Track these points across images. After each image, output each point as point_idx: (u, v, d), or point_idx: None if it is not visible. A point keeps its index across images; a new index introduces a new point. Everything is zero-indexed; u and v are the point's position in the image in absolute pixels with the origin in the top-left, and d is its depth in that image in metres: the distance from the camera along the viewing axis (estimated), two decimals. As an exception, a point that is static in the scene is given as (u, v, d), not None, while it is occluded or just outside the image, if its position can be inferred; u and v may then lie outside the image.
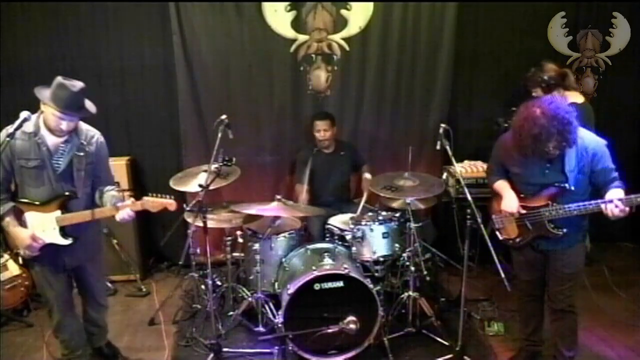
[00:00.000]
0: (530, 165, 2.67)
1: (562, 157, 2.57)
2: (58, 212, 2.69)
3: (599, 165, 2.57)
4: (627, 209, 2.43)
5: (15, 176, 2.71)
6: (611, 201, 2.44)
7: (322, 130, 4.13)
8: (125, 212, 2.69)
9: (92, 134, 2.82)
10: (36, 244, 2.66)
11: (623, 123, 4.90)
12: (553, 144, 2.44)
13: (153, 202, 2.71)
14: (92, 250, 2.93)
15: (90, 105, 2.73)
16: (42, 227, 2.69)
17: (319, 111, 4.34)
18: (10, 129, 2.61)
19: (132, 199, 2.74)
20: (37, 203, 2.69)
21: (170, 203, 2.72)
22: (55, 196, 2.69)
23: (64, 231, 2.71)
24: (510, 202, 2.75)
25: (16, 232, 2.68)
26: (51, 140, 2.67)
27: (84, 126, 2.81)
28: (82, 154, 2.73)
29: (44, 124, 2.66)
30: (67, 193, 2.70)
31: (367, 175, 4.13)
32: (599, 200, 2.50)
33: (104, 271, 3.16)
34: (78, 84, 2.64)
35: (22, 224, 2.70)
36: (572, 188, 2.57)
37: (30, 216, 2.70)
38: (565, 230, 2.64)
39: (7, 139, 2.56)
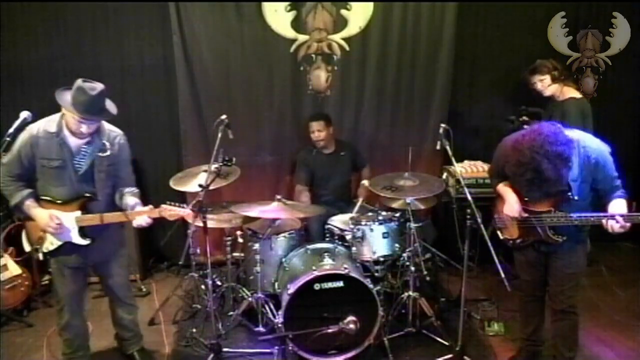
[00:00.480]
0: None
1: None
2: (78, 213, 2.71)
3: (602, 173, 2.53)
4: (628, 225, 2.41)
5: (38, 174, 2.72)
6: (613, 217, 2.42)
7: (317, 131, 4.13)
8: (143, 218, 2.69)
9: (114, 134, 2.81)
10: (52, 222, 2.66)
11: (623, 123, 4.90)
12: (552, 183, 2.37)
13: (171, 211, 2.70)
14: (114, 246, 2.95)
15: (111, 106, 2.71)
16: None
17: (314, 112, 4.35)
18: (34, 128, 2.67)
19: (151, 206, 2.73)
20: (59, 202, 2.71)
21: (187, 214, 2.72)
22: (76, 197, 2.71)
23: (83, 231, 2.73)
24: (512, 206, 2.72)
25: (36, 213, 2.69)
26: (73, 141, 2.68)
27: (106, 126, 2.81)
28: (103, 155, 2.73)
29: (66, 125, 2.66)
30: (87, 194, 2.72)
31: (365, 182, 4.10)
32: (601, 214, 2.48)
33: (128, 270, 3.17)
34: (98, 87, 2.61)
35: None
36: (576, 198, 2.54)
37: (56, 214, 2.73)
38: (564, 238, 2.64)
39: (7, 138, 2.58)
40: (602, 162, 2.53)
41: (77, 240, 2.74)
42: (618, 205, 2.49)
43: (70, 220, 2.71)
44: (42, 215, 2.68)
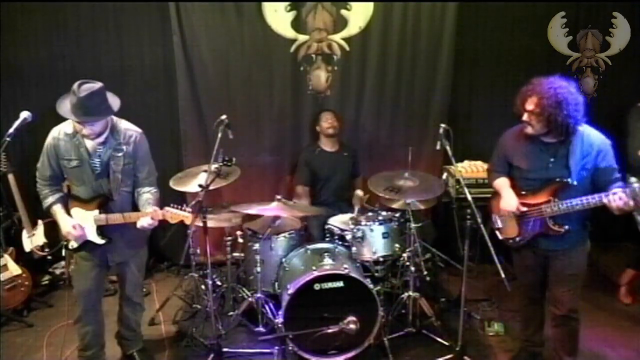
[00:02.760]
0: (534, 159, 2.67)
1: (566, 151, 2.58)
2: (96, 212, 2.74)
3: (603, 163, 2.56)
4: (632, 202, 2.37)
5: (65, 174, 2.81)
6: (615, 193, 2.40)
7: (330, 120, 4.15)
8: (146, 220, 2.70)
9: (130, 133, 2.82)
10: (74, 232, 2.71)
11: (623, 123, 4.89)
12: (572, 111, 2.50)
13: (172, 214, 2.72)
14: (135, 246, 2.97)
15: (113, 103, 2.69)
16: (84, 224, 2.77)
17: (323, 108, 4.35)
18: (55, 130, 2.74)
19: (155, 208, 2.74)
20: (82, 200, 2.77)
21: (186, 217, 2.73)
22: (96, 196, 2.75)
23: (100, 230, 2.76)
24: (509, 200, 2.73)
25: (61, 220, 2.77)
26: (89, 141, 2.71)
27: (123, 125, 2.82)
28: (119, 154, 2.74)
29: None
30: (105, 194, 2.76)
31: (359, 192, 4.09)
32: (602, 194, 2.46)
33: (143, 270, 3.18)
34: (92, 87, 2.59)
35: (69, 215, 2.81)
36: (575, 183, 2.55)
37: (75, 212, 2.78)
38: (567, 227, 2.62)
39: (7, 139, 2.59)
40: (605, 151, 2.57)
41: (95, 239, 2.77)
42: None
43: (89, 219, 2.75)
44: (65, 223, 2.76)
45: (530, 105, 2.57)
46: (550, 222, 2.64)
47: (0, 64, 4.23)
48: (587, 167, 2.57)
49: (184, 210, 2.73)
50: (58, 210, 2.78)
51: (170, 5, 4.19)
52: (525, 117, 2.61)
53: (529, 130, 2.62)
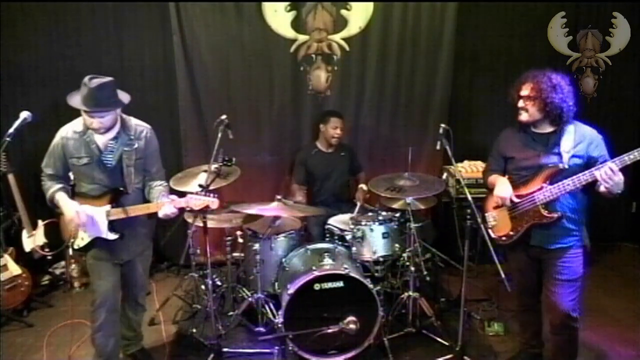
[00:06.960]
0: (526, 148, 2.70)
1: (558, 139, 2.61)
2: (108, 207, 2.74)
3: (596, 152, 2.58)
4: (621, 176, 2.39)
5: (72, 173, 2.83)
6: (604, 166, 2.41)
7: (339, 128, 4.13)
8: (169, 208, 2.70)
9: (141, 129, 2.84)
10: (78, 219, 2.69)
11: (623, 123, 4.90)
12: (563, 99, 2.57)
13: (197, 200, 2.72)
14: (142, 244, 2.97)
15: (123, 97, 2.72)
16: (95, 219, 2.75)
17: (331, 110, 4.32)
18: (64, 130, 2.75)
19: (175, 196, 2.75)
20: (91, 196, 2.76)
21: (212, 201, 2.72)
22: (107, 191, 2.75)
23: (112, 226, 2.75)
24: (504, 188, 2.72)
25: (65, 205, 2.74)
26: (100, 137, 2.72)
27: (133, 121, 2.84)
28: (130, 149, 2.76)
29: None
30: (119, 188, 2.75)
31: (363, 186, 4.11)
32: (593, 169, 2.47)
33: (148, 271, 3.17)
34: (102, 80, 2.63)
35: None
36: (566, 167, 2.56)
37: (84, 208, 2.76)
38: (559, 214, 2.60)
39: (7, 139, 2.59)
40: (597, 142, 2.61)
41: (106, 234, 2.76)
42: None
43: (100, 214, 2.74)
44: (70, 208, 2.73)
45: (525, 91, 2.62)
46: (543, 209, 2.61)
47: (0, 64, 4.23)
48: (579, 154, 2.58)
49: (208, 196, 2.72)
50: (61, 197, 2.76)
51: (170, 5, 4.19)
52: (520, 103, 2.65)
53: (524, 117, 2.66)
